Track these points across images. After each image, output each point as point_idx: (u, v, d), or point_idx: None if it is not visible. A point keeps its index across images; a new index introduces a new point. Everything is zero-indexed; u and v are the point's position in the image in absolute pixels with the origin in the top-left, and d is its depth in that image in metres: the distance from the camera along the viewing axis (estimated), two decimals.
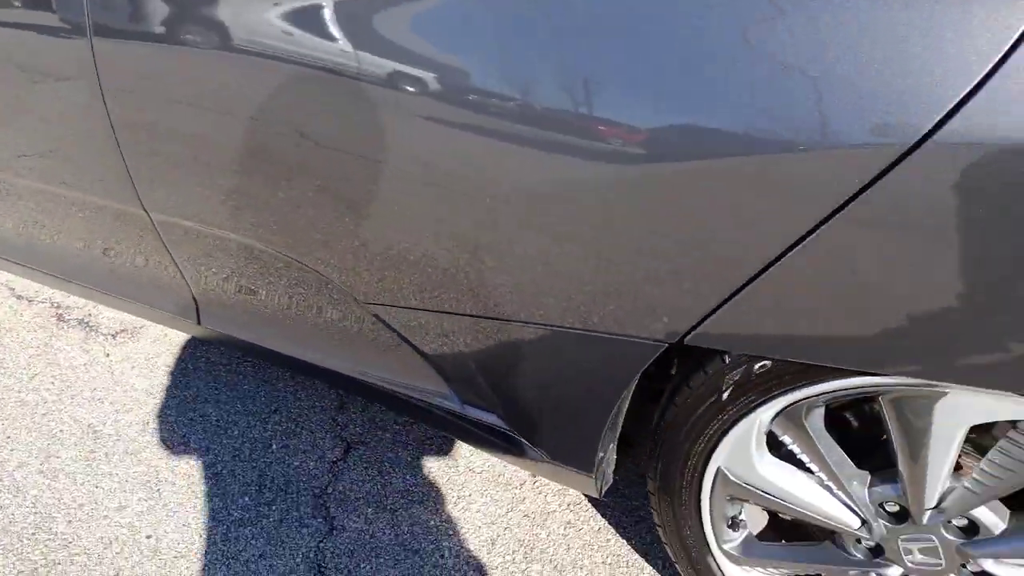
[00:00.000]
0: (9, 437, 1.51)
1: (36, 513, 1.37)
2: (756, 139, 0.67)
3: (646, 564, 1.28)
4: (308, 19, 0.87)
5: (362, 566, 1.28)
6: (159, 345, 1.73)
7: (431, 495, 1.39)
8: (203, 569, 1.27)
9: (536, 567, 1.27)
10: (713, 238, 0.74)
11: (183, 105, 1.01)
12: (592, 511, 1.36)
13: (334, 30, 0.86)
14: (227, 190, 1.07)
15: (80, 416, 1.56)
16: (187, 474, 1.43)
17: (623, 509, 1.37)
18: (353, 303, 1.10)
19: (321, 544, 1.31)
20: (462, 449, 1.47)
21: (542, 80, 0.76)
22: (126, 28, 1.00)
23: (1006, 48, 0.57)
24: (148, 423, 1.54)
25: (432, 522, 1.34)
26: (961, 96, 0.59)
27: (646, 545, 1.31)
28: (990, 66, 0.58)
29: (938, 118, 0.60)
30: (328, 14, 0.86)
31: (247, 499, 1.39)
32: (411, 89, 0.82)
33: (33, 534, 1.33)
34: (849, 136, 0.64)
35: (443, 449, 1.48)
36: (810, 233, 0.69)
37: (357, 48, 0.84)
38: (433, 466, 1.45)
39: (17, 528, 1.34)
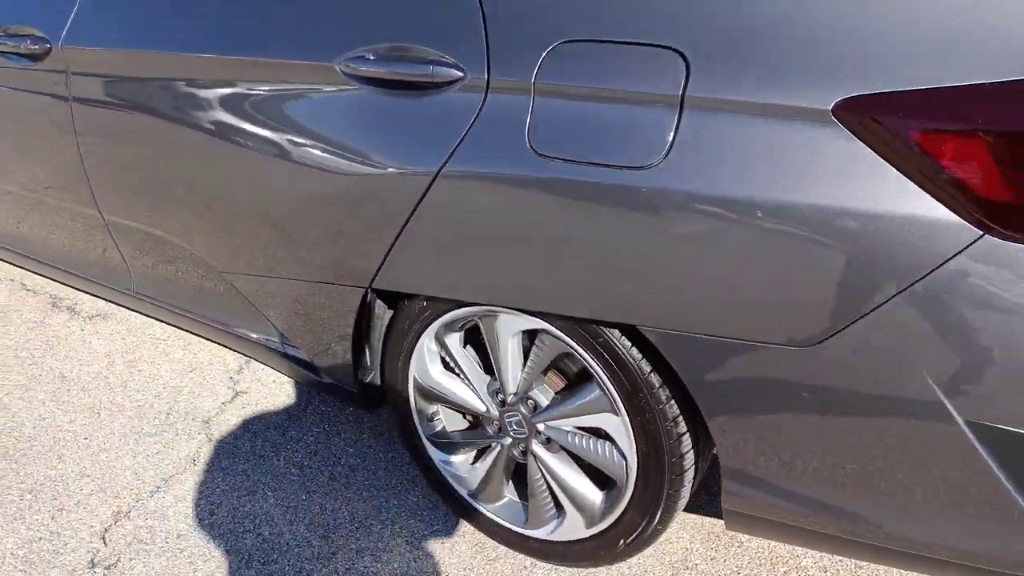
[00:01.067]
0: (4, 377, 2.14)
1: (12, 421, 1.98)
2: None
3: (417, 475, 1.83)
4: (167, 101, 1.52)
5: (225, 462, 1.85)
6: (120, 325, 2.37)
7: (284, 420, 1.97)
8: (113, 455, 1.86)
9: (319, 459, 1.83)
10: (364, 209, 1.34)
11: (121, 146, 1.67)
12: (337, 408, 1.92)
13: (183, 105, 1.51)
14: (145, 199, 1.71)
15: (55, 366, 2.19)
16: (120, 405, 2.04)
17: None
18: (214, 272, 1.72)
19: (199, 449, 1.89)
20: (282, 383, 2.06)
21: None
22: (91, 101, 1.68)
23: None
24: (101, 373, 2.16)
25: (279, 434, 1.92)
26: None
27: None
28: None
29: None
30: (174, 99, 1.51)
31: (157, 421, 1.98)
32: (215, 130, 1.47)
33: (9, 432, 1.94)
34: None
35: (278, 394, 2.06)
36: (421, 200, 1.26)
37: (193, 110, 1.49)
38: (282, 402, 2.03)
39: None
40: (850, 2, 0.95)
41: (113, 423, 1.97)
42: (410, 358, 1.51)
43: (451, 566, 1.57)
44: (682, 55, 1.03)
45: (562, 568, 1.54)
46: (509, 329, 1.35)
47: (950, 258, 0.93)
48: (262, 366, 2.15)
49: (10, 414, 2.00)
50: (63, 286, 2.55)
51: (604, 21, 1.09)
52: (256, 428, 1.95)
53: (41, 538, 1.64)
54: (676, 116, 1.03)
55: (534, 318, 1.29)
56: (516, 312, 1.30)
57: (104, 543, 1.62)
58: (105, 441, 1.91)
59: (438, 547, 1.61)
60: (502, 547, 1.59)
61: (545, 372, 1.39)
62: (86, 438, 1.92)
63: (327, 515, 1.69)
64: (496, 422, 1.49)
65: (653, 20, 1.05)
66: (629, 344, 1.21)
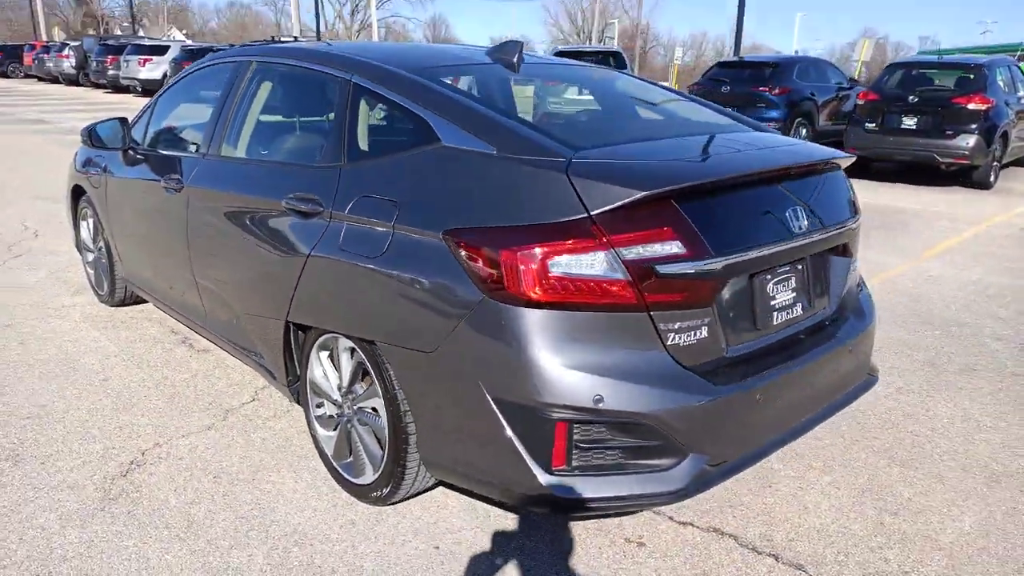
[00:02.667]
0: (142, 376, 3.53)
1: (128, 389, 3.32)
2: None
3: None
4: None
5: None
6: (214, 353, 3.71)
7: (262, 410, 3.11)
8: (179, 419, 3.10)
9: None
10: (283, 274, 2.53)
11: (203, 239, 3.03)
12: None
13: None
14: (210, 269, 3.04)
15: (168, 375, 3.55)
16: (193, 396, 3.31)
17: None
18: (235, 311, 2.97)
19: (215, 422, 3.08)
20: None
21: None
22: (196, 214, 3.08)
23: None
24: (188, 380, 3.47)
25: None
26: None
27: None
28: None
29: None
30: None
31: (204, 404, 3.22)
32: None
33: (128, 395, 3.27)
34: None
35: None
36: (302, 270, 2.47)
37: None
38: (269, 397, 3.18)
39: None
40: (439, 181, 2.05)
41: (189, 405, 3.24)
42: (307, 366, 2.63)
43: (337, 503, 2.58)
44: (396, 203, 2.15)
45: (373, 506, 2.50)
46: (342, 345, 2.44)
47: (476, 304, 1.93)
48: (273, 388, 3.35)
49: (130, 385, 3.36)
50: (181, 324, 3.98)
51: (380, 191, 2.25)
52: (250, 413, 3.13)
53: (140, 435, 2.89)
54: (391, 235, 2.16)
55: (347, 339, 2.38)
56: (342, 335, 2.40)
57: (142, 455, 2.84)
58: (181, 413, 3.18)
59: (328, 494, 2.63)
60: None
61: (362, 374, 2.44)
62: (169, 401, 3.21)
63: (255, 470, 2.79)
64: (342, 406, 2.54)
65: (390, 195, 2.20)
66: (375, 350, 2.25)
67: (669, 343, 1.96)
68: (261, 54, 3.06)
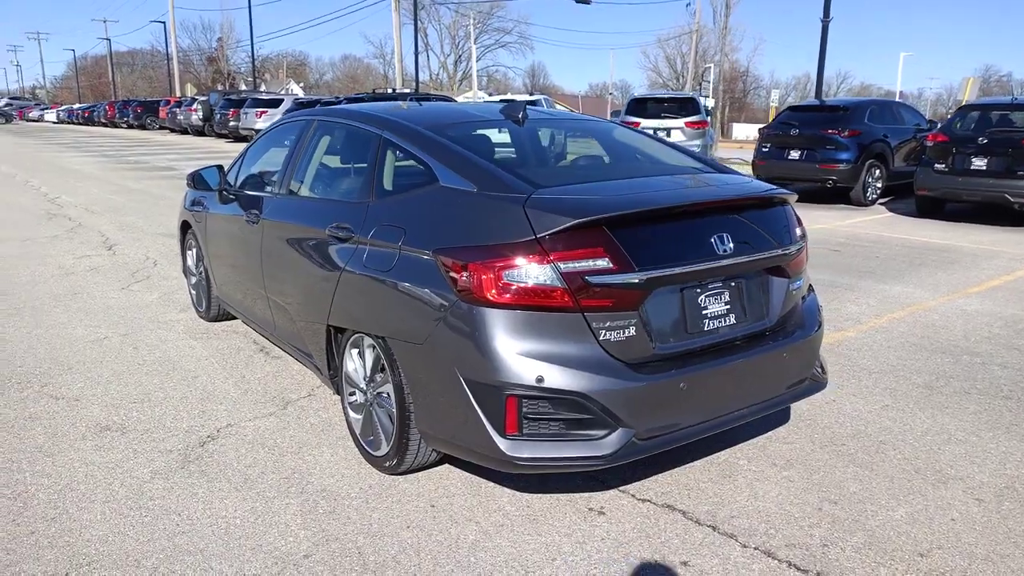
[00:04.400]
0: (224, 375, 4.28)
1: (212, 382, 4.07)
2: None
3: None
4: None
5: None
6: (284, 359, 4.43)
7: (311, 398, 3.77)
8: (252, 409, 3.81)
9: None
10: (323, 285, 3.20)
11: (272, 258, 3.76)
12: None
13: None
14: (276, 284, 3.76)
15: (245, 375, 4.28)
16: (261, 392, 4.02)
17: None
18: (292, 318, 3.66)
19: (275, 412, 3.76)
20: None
21: None
22: (269, 240, 3.82)
23: None
24: (263, 378, 4.19)
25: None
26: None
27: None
28: None
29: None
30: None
31: (271, 395, 3.91)
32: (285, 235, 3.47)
33: (202, 383, 4.02)
34: None
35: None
36: (338, 283, 3.14)
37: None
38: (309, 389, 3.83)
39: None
40: (435, 212, 2.67)
41: (258, 398, 3.95)
42: (343, 361, 3.27)
43: (361, 473, 3.19)
44: (404, 230, 2.78)
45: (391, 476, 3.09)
46: (366, 343, 3.06)
47: (452, 305, 2.52)
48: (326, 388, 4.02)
49: (215, 381, 4.10)
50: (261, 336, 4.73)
51: (393, 220, 2.90)
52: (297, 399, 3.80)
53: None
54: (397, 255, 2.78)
55: (368, 337, 3.00)
56: (365, 334, 3.02)
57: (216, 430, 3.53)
58: (251, 403, 3.89)
59: (355, 466, 3.24)
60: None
61: (380, 366, 3.05)
62: (241, 393, 3.92)
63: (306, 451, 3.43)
64: (367, 393, 3.15)
65: (400, 223, 2.84)
66: (387, 345, 2.86)
67: (601, 338, 2.47)
68: (323, 114, 3.81)
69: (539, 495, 2.95)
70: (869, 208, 11.47)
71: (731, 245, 2.70)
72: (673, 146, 3.62)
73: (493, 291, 2.44)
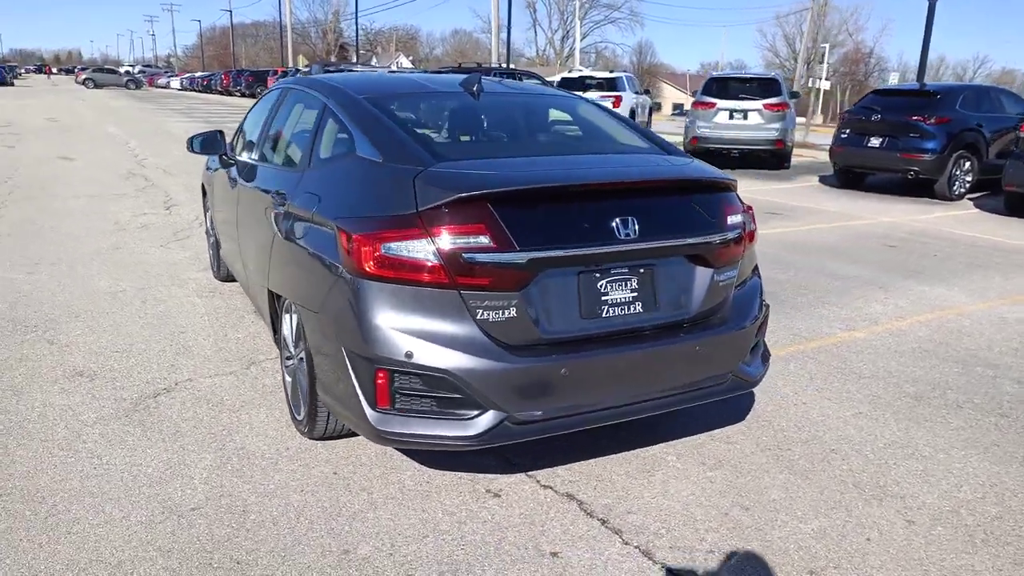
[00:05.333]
0: (209, 332, 4.47)
1: (225, 340, 4.25)
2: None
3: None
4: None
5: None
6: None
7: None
8: (221, 365, 3.97)
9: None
10: (263, 251, 3.27)
11: (247, 218, 3.87)
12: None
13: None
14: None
15: (228, 334, 4.45)
16: (233, 351, 4.18)
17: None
18: (253, 278, 3.76)
19: (243, 370, 3.90)
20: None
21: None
22: (242, 196, 3.94)
23: None
24: (246, 339, 4.35)
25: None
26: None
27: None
28: None
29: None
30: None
31: (241, 355, 4.06)
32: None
33: (214, 341, 4.21)
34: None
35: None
36: (271, 247, 3.19)
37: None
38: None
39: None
40: (345, 181, 2.67)
41: (228, 357, 4.11)
42: (280, 325, 3.34)
43: (285, 436, 3.28)
44: (319, 198, 2.81)
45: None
46: (293, 308, 3.11)
47: (339, 275, 2.53)
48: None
49: (197, 338, 4.29)
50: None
51: (314, 188, 2.93)
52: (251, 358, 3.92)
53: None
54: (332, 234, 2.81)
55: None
56: (288, 299, 3.08)
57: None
58: (220, 361, 4.05)
59: (283, 429, 3.33)
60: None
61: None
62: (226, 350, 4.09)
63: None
64: (294, 357, 3.21)
65: (317, 191, 2.87)
66: (300, 310, 2.90)
67: (478, 318, 2.42)
68: (293, 83, 3.87)
69: (442, 472, 2.93)
70: (953, 203, 10.61)
71: (636, 229, 2.57)
72: (632, 126, 3.46)
73: (371, 263, 2.42)
